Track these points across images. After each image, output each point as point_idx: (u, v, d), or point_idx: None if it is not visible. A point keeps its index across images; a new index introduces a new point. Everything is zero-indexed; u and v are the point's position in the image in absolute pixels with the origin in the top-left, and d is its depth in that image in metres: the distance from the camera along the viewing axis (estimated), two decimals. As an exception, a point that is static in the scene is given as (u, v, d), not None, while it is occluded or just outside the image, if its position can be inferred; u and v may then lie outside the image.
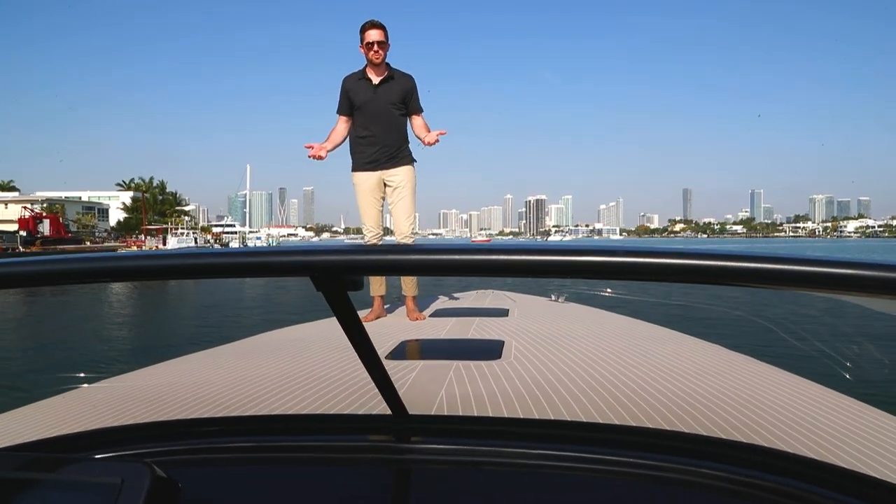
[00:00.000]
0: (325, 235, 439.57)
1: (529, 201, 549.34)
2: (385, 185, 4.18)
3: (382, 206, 4.24)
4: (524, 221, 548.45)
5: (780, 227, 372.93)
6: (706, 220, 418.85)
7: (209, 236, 78.57)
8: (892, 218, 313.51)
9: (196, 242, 57.11)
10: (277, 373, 2.15)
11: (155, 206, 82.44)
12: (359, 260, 0.65)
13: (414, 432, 1.10)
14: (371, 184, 4.13)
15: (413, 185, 4.18)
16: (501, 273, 0.61)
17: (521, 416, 1.58)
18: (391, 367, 2.14)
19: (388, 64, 4.11)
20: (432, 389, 1.85)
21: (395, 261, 0.65)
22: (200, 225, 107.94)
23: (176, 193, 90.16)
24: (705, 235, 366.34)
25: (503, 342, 2.65)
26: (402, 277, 4.12)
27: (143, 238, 56.97)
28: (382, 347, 2.55)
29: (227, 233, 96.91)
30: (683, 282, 0.59)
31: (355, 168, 4.19)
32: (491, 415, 1.61)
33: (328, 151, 4.11)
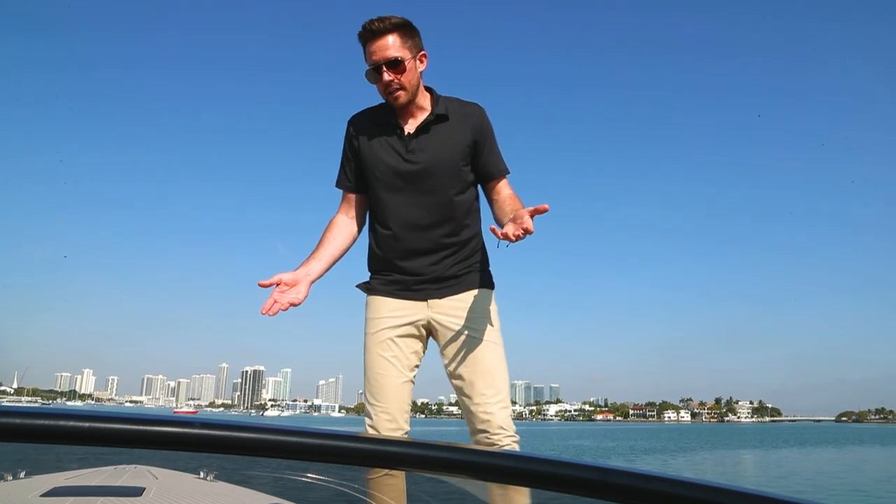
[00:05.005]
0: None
1: (246, 371, 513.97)
2: (432, 329, 2.32)
3: (415, 372, 2.34)
4: (238, 393, 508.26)
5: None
6: (423, 401, 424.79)
7: None
8: (584, 403, 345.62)
9: None
10: None
11: None
12: None
13: None
14: (401, 324, 2.29)
15: (499, 326, 2.34)
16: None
17: None
18: None
19: (429, 91, 2.34)
20: None
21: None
22: None
23: None
24: (423, 416, 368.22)
25: None
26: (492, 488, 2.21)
27: None
28: None
29: None
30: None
31: (372, 290, 2.36)
32: None
33: (313, 280, 2.28)
